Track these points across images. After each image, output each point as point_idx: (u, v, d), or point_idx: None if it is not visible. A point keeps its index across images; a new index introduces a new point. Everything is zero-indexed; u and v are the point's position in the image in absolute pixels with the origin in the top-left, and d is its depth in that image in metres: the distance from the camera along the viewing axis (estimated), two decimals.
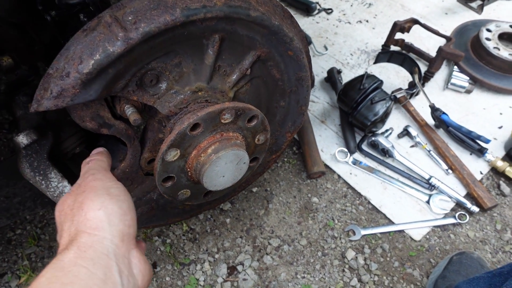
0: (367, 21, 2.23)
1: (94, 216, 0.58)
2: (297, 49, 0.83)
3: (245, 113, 0.78)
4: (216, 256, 1.41)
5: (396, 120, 1.73)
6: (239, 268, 1.38)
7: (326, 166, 1.62)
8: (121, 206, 0.60)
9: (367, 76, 1.63)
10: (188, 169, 0.77)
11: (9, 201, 0.99)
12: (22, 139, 0.75)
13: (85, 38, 0.63)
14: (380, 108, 1.58)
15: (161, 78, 0.78)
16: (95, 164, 0.70)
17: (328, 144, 1.69)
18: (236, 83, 0.87)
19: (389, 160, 1.61)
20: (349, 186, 1.57)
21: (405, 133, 1.68)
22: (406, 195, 1.52)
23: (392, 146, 1.60)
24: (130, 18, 0.64)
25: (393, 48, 1.92)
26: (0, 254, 1.39)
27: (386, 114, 1.61)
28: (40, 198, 1.04)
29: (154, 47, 0.70)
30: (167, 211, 0.97)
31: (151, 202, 0.94)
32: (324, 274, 1.36)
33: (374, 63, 1.84)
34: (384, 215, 1.49)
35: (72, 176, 0.88)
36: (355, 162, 1.60)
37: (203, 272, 1.38)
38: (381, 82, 1.64)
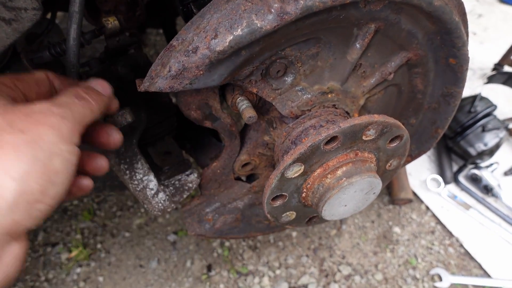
0: (474, 33, 1.96)
1: None
2: (465, 57, 0.64)
3: (391, 131, 0.60)
4: (277, 271, 1.25)
5: (504, 154, 1.48)
6: None
7: (413, 193, 1.41)
8: None
9: (480, 98, 1.39)
10: (305, 190, 0.61)
11: None
12: (117, 119, 0.62)
13: (226, 5, 0.48)
14: (492, 138, 1.35)
15: (289, 69, 0.61)
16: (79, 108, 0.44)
17: (418, 168, 1.47)
18: (372, 88, 0.69)
19: (491, 200, 1.37)
20: (439, 222, 1.35)
21: None
22: (510, 245, 1.28)
23: (499, 185, 1.35)
24: None
25: (507, 68, 1.65)
26: (55, 223, 1.32)
27: (497, 146, 1.36)
28: (110, 180, 0.93)
29: (300, 29, 0.53)
30: (251, 225, 0.83)
31: (236, 212, 0.79)
32: None
33: (486, 83, 1.58)
34: (479, 264, 1.26)
35: (155, 168, 0.75)
36: (450, 195, 1.37)
37: (261, 286, 1.23)
38: (495, 107, 1.40)
